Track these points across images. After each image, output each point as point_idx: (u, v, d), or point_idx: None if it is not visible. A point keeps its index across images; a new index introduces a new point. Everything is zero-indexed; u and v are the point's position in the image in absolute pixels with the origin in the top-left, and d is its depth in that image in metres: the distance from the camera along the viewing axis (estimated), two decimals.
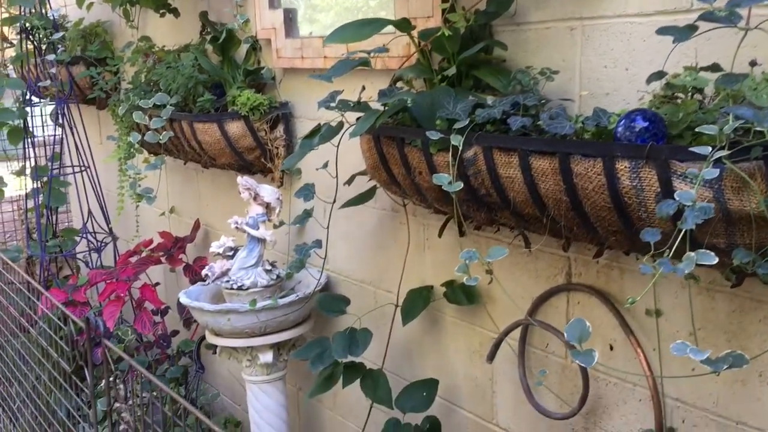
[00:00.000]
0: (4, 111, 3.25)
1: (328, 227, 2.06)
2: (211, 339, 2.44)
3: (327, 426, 2.68)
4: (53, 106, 4.39)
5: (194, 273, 3.16)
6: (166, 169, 3.47)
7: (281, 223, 2.46)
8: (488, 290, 1.95)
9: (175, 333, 3.32)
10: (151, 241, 3.39)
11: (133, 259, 3.31)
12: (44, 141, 3.80)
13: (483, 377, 2.02)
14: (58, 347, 2.47)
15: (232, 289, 2.39)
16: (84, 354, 2.18)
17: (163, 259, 3.20)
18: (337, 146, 1.88)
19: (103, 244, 3.73)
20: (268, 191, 2.40)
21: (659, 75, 1.35)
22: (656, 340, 1.56)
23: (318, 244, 2.03)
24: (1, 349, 3.14)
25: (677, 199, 1.12)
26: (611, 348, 1.66)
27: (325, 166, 1.96)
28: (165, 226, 3.54)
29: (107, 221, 3.74)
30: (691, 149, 1.15)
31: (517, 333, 1.86)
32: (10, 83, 3.16)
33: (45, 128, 3.87)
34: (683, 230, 1.12)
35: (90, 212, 3.74)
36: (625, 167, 1.23)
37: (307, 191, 1.96)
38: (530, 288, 1.82)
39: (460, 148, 1.49)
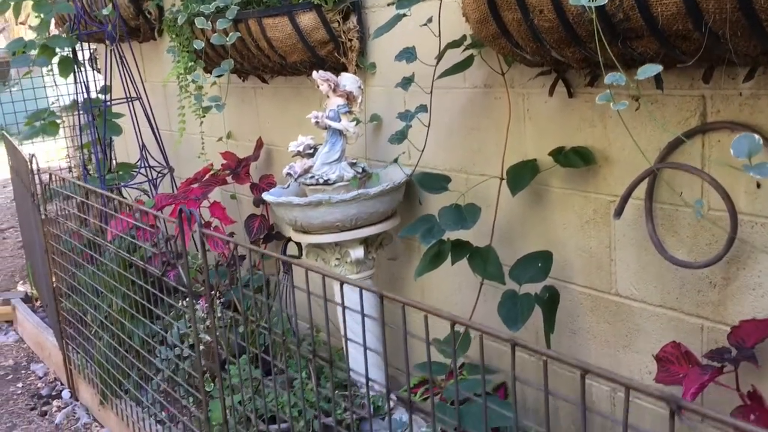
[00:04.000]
0: (56, 38, 3.15)
1: (431, 91, 1.95)
2: (297, 238, 2.36)
3: (416, 325, 2.60)
4: (90, 53, 4.32)
5: (261, 191, 3.07)
6: (221, 91, 3.38)
7: (358, 122, 2.36)
8: (603, 150, 1.84)
9: (243, 258, 3.25)
10: (211, 166, 3.31)
11: (195, 186, 3.23)
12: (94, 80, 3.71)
13: (599, 246, 1.92)
14: (144, 252, 2.41)
15: (317, 184, 2.30)
16: (177, 252, 2.11)
17: (228, 179, 3.12)
18: (440, 1, 1.76)
19: (160, 176, 3.65)
20: (349, 79, 2.30)
21: None
22: None
23: (423, 108, 1.92)
24: (72, 277, 3.09)
25: None
26: (758, 186, 1.55)
27: (429, 21, 1.84)
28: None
29: (163, 153, 3.66)
30: None
31: (640, 192, 1.75)
32: (59, 6, 3.06)
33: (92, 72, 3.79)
34: None
35: (144, 145, 3.66)
36: None
37: (409, 54, 1.85)
38: (655, 139, 1.71)
39: None
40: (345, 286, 1.51)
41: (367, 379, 1.45)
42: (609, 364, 1.95)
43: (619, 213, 1.71)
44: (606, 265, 1.91)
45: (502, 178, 1.99)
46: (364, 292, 1.47)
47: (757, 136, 1.27)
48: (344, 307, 1.49)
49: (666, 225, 1.74)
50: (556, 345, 2.05)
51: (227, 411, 2.11)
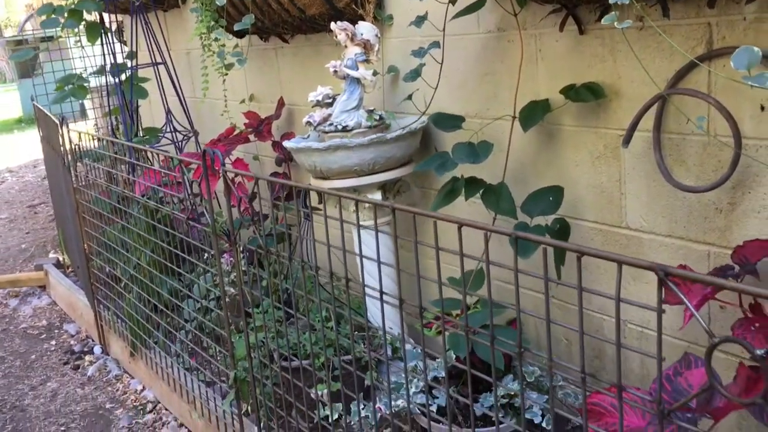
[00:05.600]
0: (84, 2, 3.25)
1: (444, 29, 2.01)
2: (316, 184, 2.43)
3: (431, 270, 2.67)
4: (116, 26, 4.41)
5: (283, 148, 3.15)
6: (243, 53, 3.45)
7: (375, 73, 2.42)
8: (613, 85, 1.88)
9: (266, 216, 3.34)
10: (232, 129, 3.39)
11: (219, 145, 3.32)
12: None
13: (609, 181, 1.96)
14: (172, 203, 2.50)
15: (336, 131, 2.37)
16: (201, 196, 2.20)
17: (251, 137, 3.20)
18: None
19: (185, 139, 3.75)
20: (366, 28, 2.36)
21: None
22: None
23: (436, 44, 1.98)
24: (102, 234, 3.20)
25: None
26: (762, 109, 1.59)
27: None
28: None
29: (188, 117, 3.76)
30: None
31: (649, 123, 1.80)
32: None
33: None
34: None
35: (169, 109, 3.76)
36: None
37: None
38: (664, 69, 1.74)
39: None
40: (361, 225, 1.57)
41: (381, 293, 1.52)
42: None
43: (627, 141, 1.75)
44: (616, 199, 1.96)
45: (514, 117, 2.04)
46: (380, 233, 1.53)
47: (756, 48, 1.31)
48: (359, 226, 1.56)
49: (674, 155, 1.78)
50: (568, 280, 2.10)
51: (251, 348, 2.20)
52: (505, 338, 1.42)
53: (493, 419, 1.94)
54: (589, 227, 2.05)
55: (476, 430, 1.91)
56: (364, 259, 2.53)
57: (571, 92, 1.92)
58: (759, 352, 0.81)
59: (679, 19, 1.68)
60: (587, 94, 1.87)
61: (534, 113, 1.97)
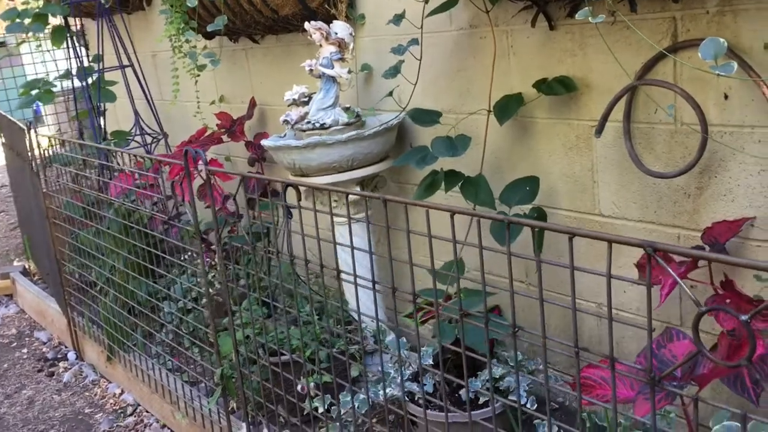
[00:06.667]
0: (49, 5, 3.22)
1: (422, 26, 2.06)
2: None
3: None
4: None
5: (256, 148, 3.17)
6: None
7: (350, 71, 2.46)
8: (584, 78, 1.96)
9: (240, 216, 3.35)
10: (205, 130, 3.40)
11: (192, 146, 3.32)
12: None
13: (582, 170, 2.05)
14: (145, 202, 2.51)
15: (313, 129, 2.41)
16: (183, 194, 2.22)
17: (224, 137, 3.22)
18: None
19: (155, 141, 3.74)
20: (340, 27, 2.40)
21: None
22: None
23: (415, 41, 2.03)
24: (75, 239, 3.18)
25: None
26: (726, 97, 1.68)
27: None
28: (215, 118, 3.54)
29: (156, 119, 3.75)
30: None
31: (619, 114, 1.88)
32: None
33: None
34: None
35: (137, 112, 3.74)
36: None
37: None
38: (631, 61, 1.83)
39: None
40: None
41: (374, 282, 1.57)
42: (594, 281, 2.08)
43: (599, 131, 1.84)
44: (589, 187, 2.04)
45: (489, 111, 2.11)
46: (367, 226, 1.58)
47: (722, 40, 1.40)
48: (350, 219, 1.61)
49: (643, 143, 1.87)
50: (545, 267, 2.18)
51: (237, 344, 2.23)
52: (492, 324, 1.48)
53: (480, 402, 2.01)
54: (565, 215, 2.13)
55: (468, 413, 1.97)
56: (348, 252, 2.58)
57: (543, 86, 2.00)
58: (743, 317, 0.88)
59: (645, 13, 1.77)
60: (559, 88, 1.95)
61: (508, 107, 2.04)
